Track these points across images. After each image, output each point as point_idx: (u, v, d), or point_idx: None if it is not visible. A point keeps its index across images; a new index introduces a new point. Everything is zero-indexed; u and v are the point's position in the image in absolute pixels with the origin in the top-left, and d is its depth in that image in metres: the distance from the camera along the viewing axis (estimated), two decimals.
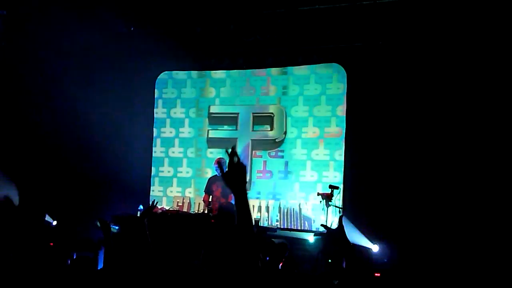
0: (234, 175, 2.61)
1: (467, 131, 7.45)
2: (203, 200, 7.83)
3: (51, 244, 7.00)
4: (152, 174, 9.53)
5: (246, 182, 2.69)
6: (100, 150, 9.28)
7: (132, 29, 9.19)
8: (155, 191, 9.46)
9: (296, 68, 8.86)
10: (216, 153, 9.06)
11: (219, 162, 7.63)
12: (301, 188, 8.60)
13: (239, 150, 8.98)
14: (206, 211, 7.42)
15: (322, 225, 7.02)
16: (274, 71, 9.00)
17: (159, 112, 9.64)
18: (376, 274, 7.04)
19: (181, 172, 9.38)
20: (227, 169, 2.64)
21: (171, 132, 9.52)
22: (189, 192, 9.23)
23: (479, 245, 7.00)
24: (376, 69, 8.17)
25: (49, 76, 8.95)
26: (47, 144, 9.03)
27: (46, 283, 5.95)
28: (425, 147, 7.71)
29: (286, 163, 8.74)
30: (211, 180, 7.81)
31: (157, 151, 9.57)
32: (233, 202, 7.11)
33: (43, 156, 9.00)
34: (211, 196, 7.69)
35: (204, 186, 7.94)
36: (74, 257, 6.81)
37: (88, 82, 9.18)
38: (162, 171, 9.49)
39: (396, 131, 7.94)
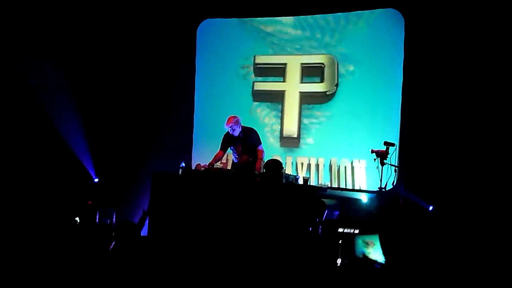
0: None
1: None
2: (216, 156, 7.27)
3: (90, 202, 6.86)
4: (198, 124, 9.13)
5: None
6: (140, 105, 9.02)
7: None
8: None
9: (343, 19, 8.20)
10: (263, 106, 8.58)
11: (232, 122, 7.13)
12: (350, 143, 8.07)
13: (287, 102, 8.48)
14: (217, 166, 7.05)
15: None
16: (322, 21, 8.32)
17: (205, 64, 9.12)
18: None
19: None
20: None
21: (218, 84, 9.01)
22: None
23: None
24: (437, 17, 7.42)
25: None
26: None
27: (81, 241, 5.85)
28: (488, 105, 7.05)
29: (332, 117, 8.21)
30: (228, 139, 7.26)
31: (204, 103, 9.10)
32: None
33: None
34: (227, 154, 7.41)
35: (220, 143, 7.40)
36: (114, 217, 6.67)
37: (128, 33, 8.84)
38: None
39: (457, 85, 7.27)
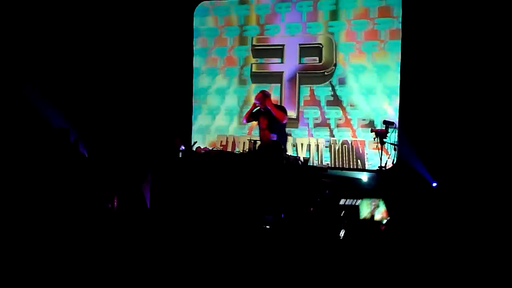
0: None
1: None
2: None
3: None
4: (197, 105, 9.12)
5: None
6: (139, 89, 8.96)
7: None
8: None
9: None
10: (262, 87, 8.49)
11: (262, 97, 7.14)
12: (349, 123, 8.04)
13: (285, 83, 8.45)
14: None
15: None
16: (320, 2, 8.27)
17: (201, 42, 9.07)
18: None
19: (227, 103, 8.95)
20: None
21: (216, 67, 8.98)
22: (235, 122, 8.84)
23: None
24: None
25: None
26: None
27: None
28: (489, 80, 6.96)
29: (331, 97, 8.17)
30: (257, 113, 7.32)
31: (202, 82, 9.09)
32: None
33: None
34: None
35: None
36: (115, 202, 6.71)
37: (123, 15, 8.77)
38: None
39: (457, 63, 7.18)
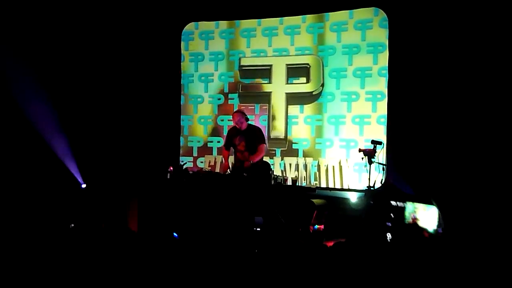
0: None
1: None
2: (223, 156, 7.43)
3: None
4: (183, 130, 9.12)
5: None
6: (126, 109, 8.94)
7: None
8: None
9: (333, 13, 8.16)
10: (250, 107, 8.59)
11: (240, 115, 7.03)
12: (341, 143, 8.06)
13: (273, 103, 8.47)
14: (228, 170, 7.08)
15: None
16: (309, 18, 8.31)
17: (186, 66, 9.10)
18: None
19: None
20: None
21: (200, 87, 9.00)
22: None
23: None
24: (421, 15, 7.40)
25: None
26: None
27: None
28: (475, 102, 7.03)
29: (319, 117, 8.20)
30: (231, 134, 7.16)
31: (187, 106, 9.10)
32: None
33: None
34: (233, 151, 7.20)
35: (223, 141, 7.41)
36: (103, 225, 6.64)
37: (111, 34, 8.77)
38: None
39: (443, 82, 7.24)
